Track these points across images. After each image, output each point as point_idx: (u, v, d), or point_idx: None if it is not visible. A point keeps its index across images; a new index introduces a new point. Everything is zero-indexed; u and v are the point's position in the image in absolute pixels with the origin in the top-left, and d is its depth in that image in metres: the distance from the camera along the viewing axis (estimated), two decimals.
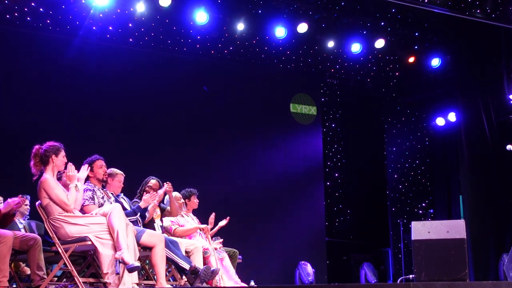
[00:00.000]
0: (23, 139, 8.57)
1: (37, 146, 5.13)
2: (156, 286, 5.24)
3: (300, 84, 11.61)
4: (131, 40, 9.67)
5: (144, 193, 6.32)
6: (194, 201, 7.10)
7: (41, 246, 5.13)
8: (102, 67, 9.55)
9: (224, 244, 7.09)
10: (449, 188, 11.62)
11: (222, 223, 7.16)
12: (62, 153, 5.14)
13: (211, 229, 7.17)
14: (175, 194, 6.90)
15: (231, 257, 6.93)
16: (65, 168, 5.14)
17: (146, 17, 9.21)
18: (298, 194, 11.18)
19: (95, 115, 9.45)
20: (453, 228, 5.43)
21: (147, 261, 5.95)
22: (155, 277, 5.39)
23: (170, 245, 5.62)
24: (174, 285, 6.04)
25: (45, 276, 5.05)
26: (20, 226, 6.26)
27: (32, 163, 5.08)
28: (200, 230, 6.83)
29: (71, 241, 4.94)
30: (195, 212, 7.24)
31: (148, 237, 5.29)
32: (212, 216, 7.20)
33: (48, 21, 8.98)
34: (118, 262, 4.78)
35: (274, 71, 11.13)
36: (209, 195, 9.20)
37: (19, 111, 8.85)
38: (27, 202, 6.70)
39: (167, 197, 6.77)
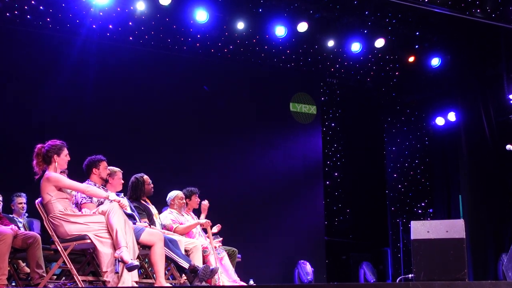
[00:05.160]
0: (23, 137, 8.57)
1: (39, 145, 5.12)
2: (155, 285, 5.25)
3: (300, 83, 11.61)
4: (131, 38, 9.66)
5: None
6: (195, 200, 7.12)
7: (40, 244, 5.14)
8: (102, 65, 9.54)
9: (224, 243, 7.09)
10: (448, 188, 11.62)
11: (214, 230, 7.09)
12: (65, 152, 5.12)
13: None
14: (178, 193, 6.91)
15: (230, 256, 6.93)
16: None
17: (146, 16, 9.21)
18: (297, 193, 11.18)
19: (95, 113, 9.44)
20: (452, 228, 5.43)
21: (146, 260, 5.96)
22: (154, 275, 5.40)
23: (170, 244, 5.63)
24: (174, 284, 6.04)
25: (44, 274, 5.06)
26: (20, 225, 6.27)
27: (34, 162, 5.08)
28: (201, 226, 6.84)
29: (70, 239, 4.94)
30: (196, 212, 7.25)
31: (148, 235, 5.29)
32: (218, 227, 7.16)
33: (48, 20, 8.97)
34: (117, 260, 4.78)
35: (274, 70, 11.13)
36: (209, 194, 9.18)
37: (18, 110, 8.85)
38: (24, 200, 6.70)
39: (175, 194, 6.87)
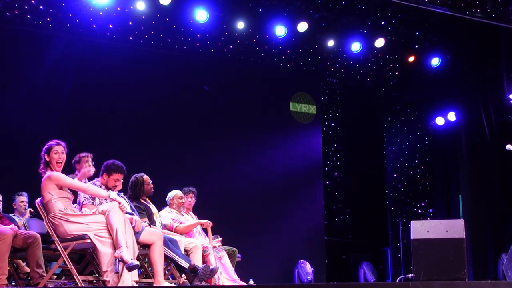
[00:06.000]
0: (22, 137, 8.60)
1: None
2: (154, 284, 5.25)
3: (300, 83, 11.61)
4: (131, 38, 9.66)
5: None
6: (186, 200, 7.03)
7: (40, 244, 5.14)
8: (102, 65, 9.54)
9: (224, 242, 7.08)
10: (448, 188, 11.62)
11: (217, 243, 7.01)
12: (54, 150, 5.16)
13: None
14: (177, 192, 6.91)
15: (230, 255, 6.93)
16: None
17: (146, 15, 9.21)
18: (297, 193, 11.18)
19: (95, 113, 9.45)
20: (452, 228, 5.44)
21: (146, 259, 5.96)
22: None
23: (170, 243, 5.63)
24: (173, 283, 6.04)
25: (44, 274, 5.05)
26: (17, 220, 6.28)
27: (41, 166, 5.20)
28: (202, 226, 6.83)
29: (70, 239, 4.95)
30: (195, 211, 7.24)
31: (147, 235, 5.30)
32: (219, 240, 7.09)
33: (48, 19, 8.97)
34: (117, 260, 4.79)
35: (274, 70, 11.13)
36: (209, 194, 9.22)
37: (18, 110, 8.85)
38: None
39: (174, 193, 6.91)
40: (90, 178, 5.71)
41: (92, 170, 5.62)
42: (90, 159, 6.14)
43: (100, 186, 5.52)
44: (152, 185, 6.54)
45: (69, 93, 9.31)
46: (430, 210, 11.69)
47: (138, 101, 9.89)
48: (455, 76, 10.97)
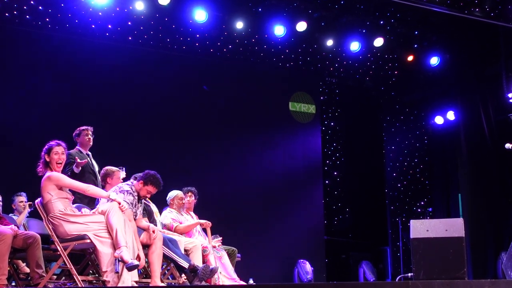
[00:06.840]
0: (21, 137, 8.59)
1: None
2: (150, 284, 5.26)
3: (299, 82, 11.61)
4: (130, 38, 9.66)
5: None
6: (185, 200, 7.03)
7: (40, 244, 5.14)
8: (101, 65, 9.54)
9: (223, 242, 7.09)
10: (448, 187, 11.63)
11: (217, 243, 7.00)
12: (54, 150, 5.19)
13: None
14: (178, 193, 6.90)
15: (230, 255, 6.93)
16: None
17: (145, 16, 9.21)
18: (297, 192, 11.18)
19: (94, 113, 9.42)
20: (452, 227, 5.44)
21: (146, 260, 5.96)
22: None
23: (169, 243, 5.64)
24: (173, 283, 6.04)
25: (44, 274, 5.05)
26: (20, 218, 6.29)
27: (40, 165, 5.23)
28: (201, 226, 6.83)
29: (70, 239, 4.96)
30: (195, 211, 7.25)
31: (146, 235, 5.30)
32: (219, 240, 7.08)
33: (47, 20, 8.97)
34: (117, 260, 4.79)
35: (273, 70, 11.14)
36: (209, 194, 9.21)
37: (17, 110, 8.85)
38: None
39: (174, 194, 6.91)
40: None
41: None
42: (90, 132, 6.29)
43: (134, 191, 5.51)
44: None
45: (68, 94, 9.31)
46: (430, 209, 11.69)
47: (137, 101, 9.89)
48: (454, 75, 10.98)
